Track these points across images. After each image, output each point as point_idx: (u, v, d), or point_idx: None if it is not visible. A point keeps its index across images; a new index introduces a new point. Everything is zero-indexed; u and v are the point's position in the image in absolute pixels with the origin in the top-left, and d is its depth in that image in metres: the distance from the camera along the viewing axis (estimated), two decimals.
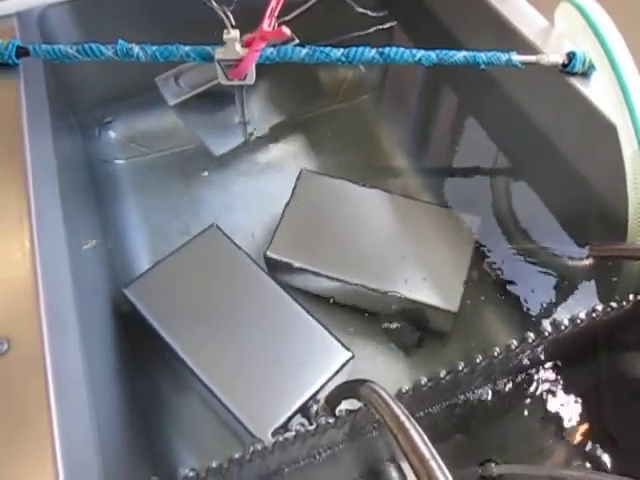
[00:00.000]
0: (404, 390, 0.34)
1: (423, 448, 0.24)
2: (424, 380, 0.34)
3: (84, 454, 0.31)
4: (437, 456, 0.23)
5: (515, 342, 0.37)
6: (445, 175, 0.65)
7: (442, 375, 0.35)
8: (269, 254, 0.53)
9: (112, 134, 0.68)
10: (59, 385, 0.31)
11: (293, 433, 0.34)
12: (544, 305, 0.53)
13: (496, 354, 0.37)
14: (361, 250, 0.53)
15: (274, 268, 0.53)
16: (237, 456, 0.32)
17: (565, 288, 0.53)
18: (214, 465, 0.31)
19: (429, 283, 0.51)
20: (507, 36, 0.55)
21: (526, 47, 0.52)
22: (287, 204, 0.56)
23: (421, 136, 0.72)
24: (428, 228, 0.54)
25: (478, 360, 0.36)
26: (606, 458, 0.44)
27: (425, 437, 0.24)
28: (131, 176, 0.65)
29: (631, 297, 0.39)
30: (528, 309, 0.54)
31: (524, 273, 0.56)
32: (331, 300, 0.54)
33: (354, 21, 0.73)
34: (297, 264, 0.52)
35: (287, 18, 0.58)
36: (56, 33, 0.59)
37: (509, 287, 0.56)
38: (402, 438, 0.25)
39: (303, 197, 0.56)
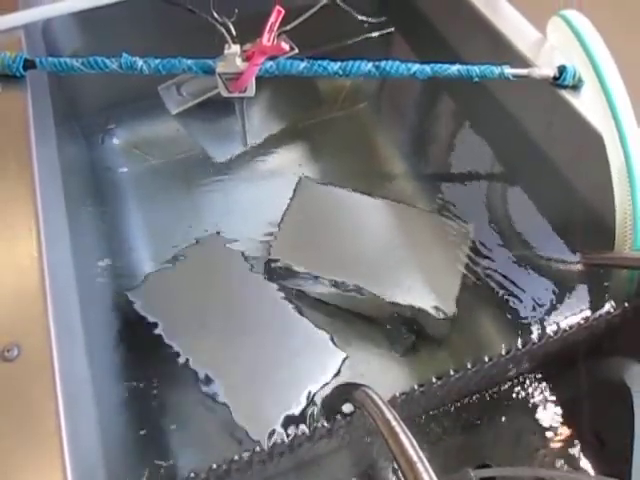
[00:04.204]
0: (397, 395, 0.35)
1: (411, 451, 0.25)
2: (416, 385, 0.36)
3: (91, 456, 0.32)
4: (424, 459, 0.25)
5: (505, 349, 0.39)
6: (441, 182, 0.66)
7: (433, 381, 0.36)
8: (269, 259, 0.54)
9: (115, 141, 0.69)
10: (67, 389, 0.31)
11: (291, 436, 0.35)
12: (538, 311, 0.54)
13: (487, 360, 0.38)
14: (358, 256, 0.54)
15: (273, 273, 0.54)
16: (236, 458, 0.33)
17: (559, 294, 0.54)
18: (214, 467, 0.32)
19: (425, 288, 0.52)
20: (500, 47, 0.56)
21: (518, 59, 0.53)
22: (286, 210, 0.57)
23: (418, 143, 0.73)
24: (424, 234, 0.55)
25: (469, 366, 0.37)
26: (594, 460, 0.45)
27: (414, 441, 0.26)
28: (134, 182, 0.66)
29: (617, 305, 0.40)
30: (522, 315, 0.55)
31: (518, 279, 0.57)
32: (326, 303, 0.55)
33: (353, 27, 0.75)
34: (295, 269, 0.53)
35: (287, 28, 0.60)
36: (60, 44, 0.60)
37: (503, 293, 0.57)
38: (392, 442, 0.26)
39: (302, 203, 0.57)
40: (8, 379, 0.31)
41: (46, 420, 0.30)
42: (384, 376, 0.53)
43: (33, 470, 0.29)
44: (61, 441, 0.29)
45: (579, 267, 0.51)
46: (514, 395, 0.48)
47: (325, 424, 0.35)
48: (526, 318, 0.54)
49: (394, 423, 0.27)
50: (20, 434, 0.30)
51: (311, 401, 0.46)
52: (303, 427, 0.36)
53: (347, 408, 0.36)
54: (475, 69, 0.47)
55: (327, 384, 0.47)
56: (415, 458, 0.24)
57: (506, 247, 0.58)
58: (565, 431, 0.47)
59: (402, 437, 0.26)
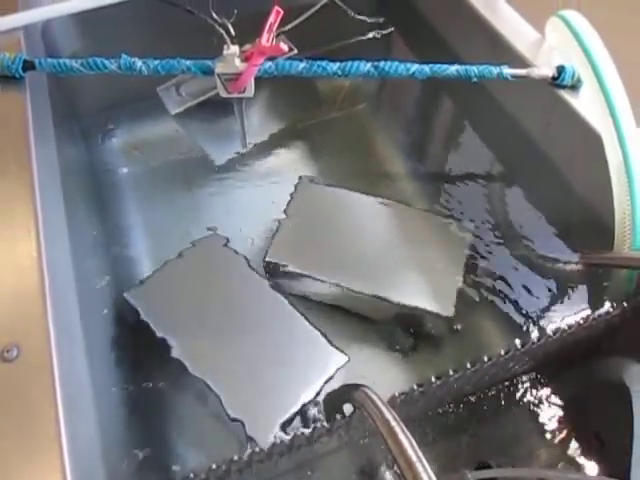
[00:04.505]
0: (396, 395, 0.35)
1: (410, 452, 0.25)
2: (415, 386, 0.36)
3: (90, 458, 0.32)
4: (423, 459, 0.25)
5: (504, 349, 0.39)
6: (441, 182, 0.66)
7: (433, 380, 0.36)
8: (268, 260, 0.54)
9: (115, 142, 0.69)
10: (66, 390, 0.31)
11: (290, 436, 0.35)
12: (537, 311, 0.55)
13: (486, 360, 0.38)
14: (358, 256, 0.54)
15: (273, 273, 0.54)
16: (236, 458, 0.33)
17: (558, 294, 0.54)
18: (213, 467, 0.32)
19: (424, 288, 0.52)
20: (499, 47, 0.56)
21: (517, 59, 0.53)
22: (286, 211, 0.57)
23: (417, 144, 0.73)
24: (423, 234, 0.55)
25: (468, 366, 0.37)
26: (594, 460, 0.45)
27: (413, 441, 0.26)
28: (133, 183, 0.66)
29: (616, 305, 0.41)
30: (522, 314, 0.55)
31: (518, 279, 0.57)
32: (326, 304, 0.55)
33: (352, 28, 0.75)
34: (295, 270, 0.53)
35: (286, 28, 0.60)
36: (59, 45, 0.61)
37: (502, 293, 0.57)
38: (391, 442, 0.26)
39: (301, 204, 0.57)
40: (7, 380, 0.32)
41: (45, 421, 0.30)
42: (383, 376, 0.53)
43: (32, 471, 0.29)
44: (60, 442, 0.29)
45: (578, 267, 0.51)
46: (514, 395, 0.48)
47: (325, 424, 0.35)
48: (525, 318, 0.54)
49: (393, 423, 0.27)
50: (19, 435, 0.30)
51: (311, 402, 0.46)
52: (303, 427, 0.36)
53: (347, 408, 0.36)
54: (474, 69, 0.47)
55: (326, 385, 0.47)
56: (414, 458, 0.24)
57: (505, 247, 0.58)
58: (565, 431, 0.47)
59: (401, 437, 0.26)
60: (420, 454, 0.25)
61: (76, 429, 0.31)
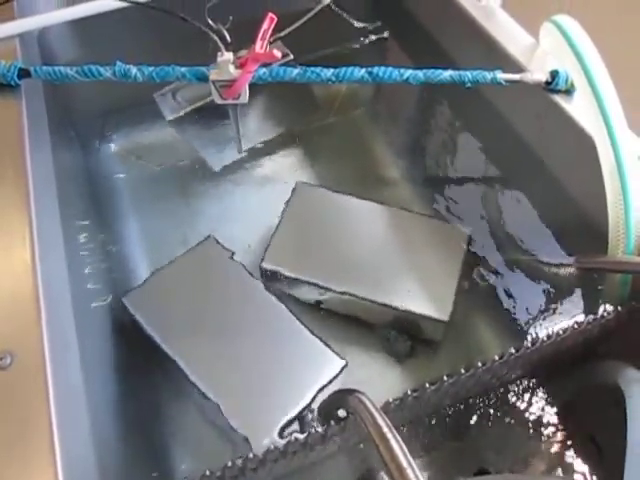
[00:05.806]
0: (390, 400, 0.35)
1: (401, 457, 0.25)
2: (409, 391, 0.36)
3: (84, 465, 0.32)
4: (414, 466, 0.25)
5: (499, 354, 0.39)
6: (437, 186, 0.66)
7: (427, 386, 0.36)
8: (264, 265, 0.54)
9: (112, 147, 0.69)
10: (60, 397, 0.31)
11: (286, 442, 0.35)
12: (533, 315, 0.55)
13: (480, 365, 0.38)
14: (354, 261, 0.54)
15: (269, 278, 0.55)
16: (230, 464, 0.33)
17: (553, 298, 0.54)
18: (207, 473, 0.32)
19: (421, 293, 0.52)
20: (494, 52, 0.56)
21: (511, 64, 0.53)
22: (282, 215, 0.57)
23: (414, 148, 0.73)
24: (420, 239, 0.55)
25: (462, 371, 0.37)
26: (590, 464, 0.45)
27: (404, 447, 0.26)
28: (130, 188, 0.66)
29: (611, 309, 0.41)
30: (518, 318, 0.55)
31: (514, 283, 0.57)
32: (323, 308, 0.55)
33: (348, 32, 0.75)
34: (291, 275, 0.53)
35: (281, 34, 0.60)
36: (55, 52, 0.61)
37: (499, 296, 0.57)
38: (383, 448, 0.26)
39: (298, 209, 0.58)
40: (1, 387, 0.32)
41: (39, 428, 0.30)
42: (381, 381, 0.53)
43: (25, 478, 0.29)
44: (54, 450, 0.29)
45: (573, 271, 0.51)
46: (509, 400, 0.48)
47: (319, 430, 0.35)
48: (521, 322, 0.54)
49: (385, 429, 0.27)
50: (12, 442, 0.30)
51: (307, 407, 0.46)
52: (297, 433, 0.36)
53: (342, 414, 0.36)
54: (467, 74, 0.47)
55: (323, 390, 0.47)
56: (405, 464, 0.24)
57: (501, 251, 0.58)
58: (561, 436, 0.47)
59: (393, 443, 0.26)
60: (411, 460, 0.25)
61: (70, 437, 0.31)
